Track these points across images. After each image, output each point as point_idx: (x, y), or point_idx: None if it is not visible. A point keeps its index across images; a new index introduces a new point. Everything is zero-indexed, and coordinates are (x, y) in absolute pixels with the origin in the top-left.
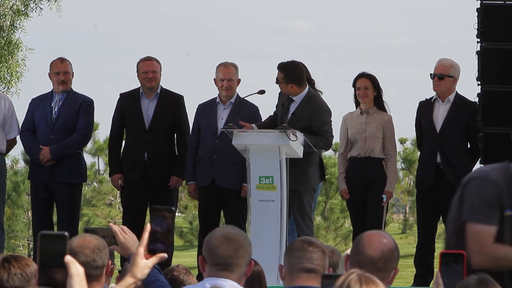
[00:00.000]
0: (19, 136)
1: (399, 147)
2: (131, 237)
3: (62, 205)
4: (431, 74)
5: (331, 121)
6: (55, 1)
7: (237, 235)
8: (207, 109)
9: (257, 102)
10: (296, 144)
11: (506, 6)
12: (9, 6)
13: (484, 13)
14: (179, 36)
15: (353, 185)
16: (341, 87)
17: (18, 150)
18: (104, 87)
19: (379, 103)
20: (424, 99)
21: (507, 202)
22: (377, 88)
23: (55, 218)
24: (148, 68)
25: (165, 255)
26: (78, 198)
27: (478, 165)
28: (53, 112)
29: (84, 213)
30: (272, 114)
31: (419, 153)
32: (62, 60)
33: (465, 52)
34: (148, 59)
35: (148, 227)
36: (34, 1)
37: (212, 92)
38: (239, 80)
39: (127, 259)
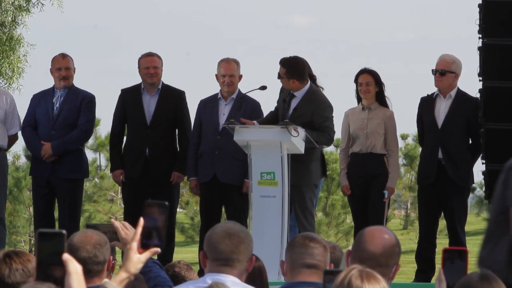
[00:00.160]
0: (20, 132)
1: (400, 143)
2: (132, 233)
3: (63, 201)
4: (432, 70)
5: (333, 116)
6: None
7: (238, 231)
8: (208, 105)
9: (259, 97)
10: (297, 140)
11: (508, 2)
12: (10, 2)
13: (486, 9)
14: (179, 32)
15: (354, 181)
16: (342, 82)
17: (19, 146)
18: (105, 83)
19: (381, 99)
20: (426, 95)
21: None
22: (379, 84)
23: (56, 214)
24: (150, 64)
25: (158, 249)
26: (79, 194)
27: (479, 161)
28: (55, 107)
29: (86, 209)
30: (273, 109)
31: (420, 149)
32: (63, 56)
33: (466, 48)
34: (150, 54)
35: (141, 222)
36: None
37: (213, 88)
38: (240, 76)
39: None
